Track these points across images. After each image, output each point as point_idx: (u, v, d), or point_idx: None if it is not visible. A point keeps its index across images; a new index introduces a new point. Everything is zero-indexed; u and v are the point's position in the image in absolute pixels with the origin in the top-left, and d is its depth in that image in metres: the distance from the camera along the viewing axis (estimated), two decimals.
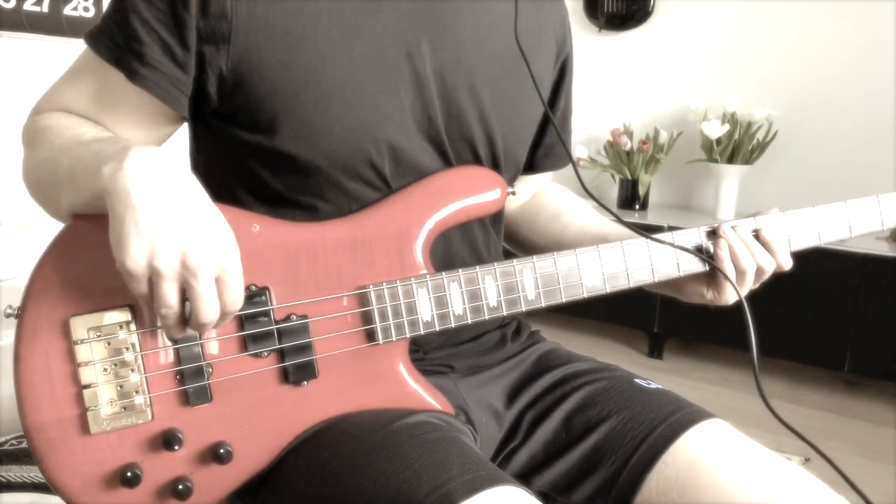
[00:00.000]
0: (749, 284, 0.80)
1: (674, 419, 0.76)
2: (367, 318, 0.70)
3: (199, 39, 0.66)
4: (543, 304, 0.75)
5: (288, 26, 0.67)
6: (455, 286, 0.72)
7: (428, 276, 0.71)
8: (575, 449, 0.76)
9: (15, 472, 1.64)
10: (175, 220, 0.57)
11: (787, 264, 0.81)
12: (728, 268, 0.79)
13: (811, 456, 1.82)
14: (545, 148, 0.92)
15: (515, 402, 0.82)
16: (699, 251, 0.80)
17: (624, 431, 0.76)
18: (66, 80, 0.74)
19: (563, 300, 0.76)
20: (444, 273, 0.72)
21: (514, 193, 0.80)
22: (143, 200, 0.56)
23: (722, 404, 2.36)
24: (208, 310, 0.58)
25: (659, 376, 2.60)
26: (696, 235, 0.81)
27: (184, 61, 0.67)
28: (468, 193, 0.75)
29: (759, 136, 2.71)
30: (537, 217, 0.96)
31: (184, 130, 0.79)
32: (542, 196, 0.99)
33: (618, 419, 0.77)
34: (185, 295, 0.59)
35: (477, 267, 0.73)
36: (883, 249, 2.33)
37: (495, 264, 0.73)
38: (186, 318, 0.60)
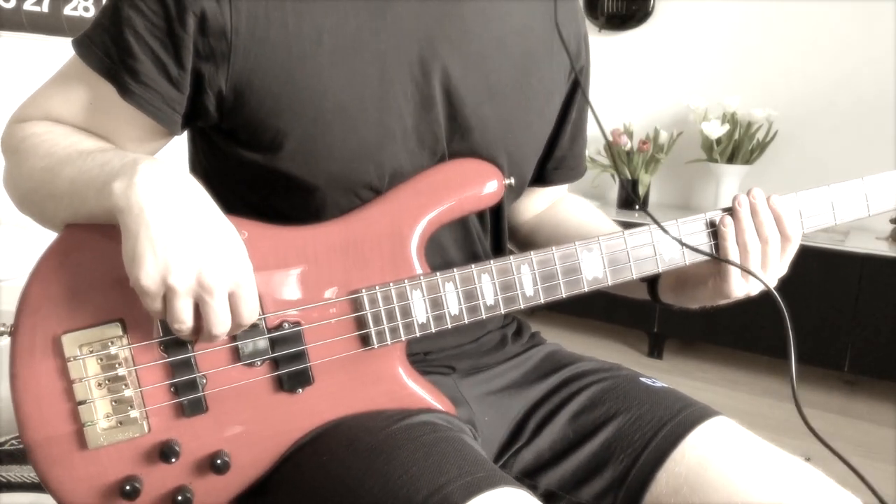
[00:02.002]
0: (756, 266, 0.75)
1: (682, 417, 0.76)
2: (360, 322, 0.69)
3: (196, 57, 0.65)
4: (543, 300, 0.73)
5: (289, 45, 0.66)
6: (450, 286, 0.70)
7: (422, 277, 0.70)
8: (583, 447, 0.76)
9: (15, 472, 1.64)
10: (189, 237, 0.57)
11: (794, 233, 0.76)
12: (731, 247, 0.75)
13: (812, 456, 1.82)
14: (555, 161, 0.90)
15: (519, 402, 0.81)
16: (711, 229, 0.76)
17: (633, 429, 0.76)
18: (54, 88, 0.71)
19: (564, 295, 0.74)
20: (438, 273, 0.70)
21: (511, 185, 0.78)
22: (156, 217, 0.56)
23: (722, 404, 2.33)
24: (221, 324, 0.59)
25: (659, 376, 2.57)
26: (701, 220, 0.77)
27: (178, 79, 0.66)
28: (462, 187, 0.74)
29: (759, 136, 2.71)
30: (555, 228, 0.94)
31: (180, 139, 0.77)
32: (560, 207, 0.97)
33: (626, 417, 0.77)
34: (197, 309, 0.59)
35: (472, 265, 0.71)
36: (883, 249, 2.32)
37: (491, 262, 0.72)
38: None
